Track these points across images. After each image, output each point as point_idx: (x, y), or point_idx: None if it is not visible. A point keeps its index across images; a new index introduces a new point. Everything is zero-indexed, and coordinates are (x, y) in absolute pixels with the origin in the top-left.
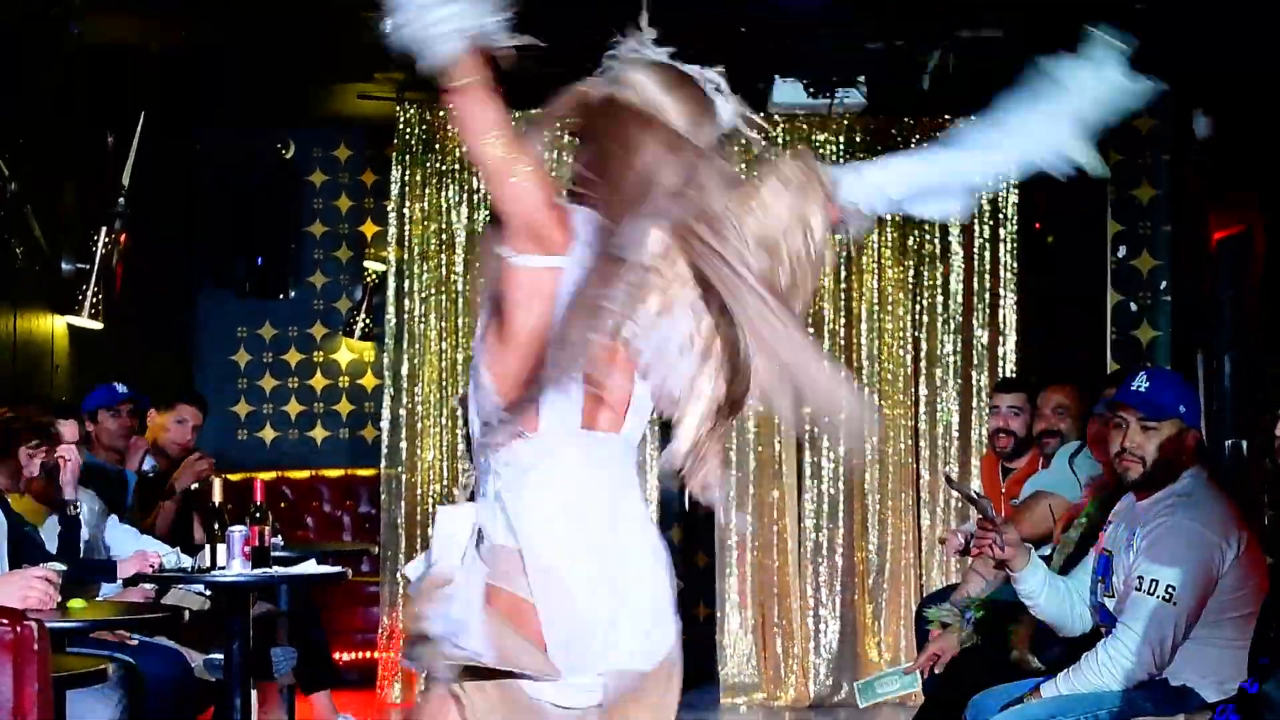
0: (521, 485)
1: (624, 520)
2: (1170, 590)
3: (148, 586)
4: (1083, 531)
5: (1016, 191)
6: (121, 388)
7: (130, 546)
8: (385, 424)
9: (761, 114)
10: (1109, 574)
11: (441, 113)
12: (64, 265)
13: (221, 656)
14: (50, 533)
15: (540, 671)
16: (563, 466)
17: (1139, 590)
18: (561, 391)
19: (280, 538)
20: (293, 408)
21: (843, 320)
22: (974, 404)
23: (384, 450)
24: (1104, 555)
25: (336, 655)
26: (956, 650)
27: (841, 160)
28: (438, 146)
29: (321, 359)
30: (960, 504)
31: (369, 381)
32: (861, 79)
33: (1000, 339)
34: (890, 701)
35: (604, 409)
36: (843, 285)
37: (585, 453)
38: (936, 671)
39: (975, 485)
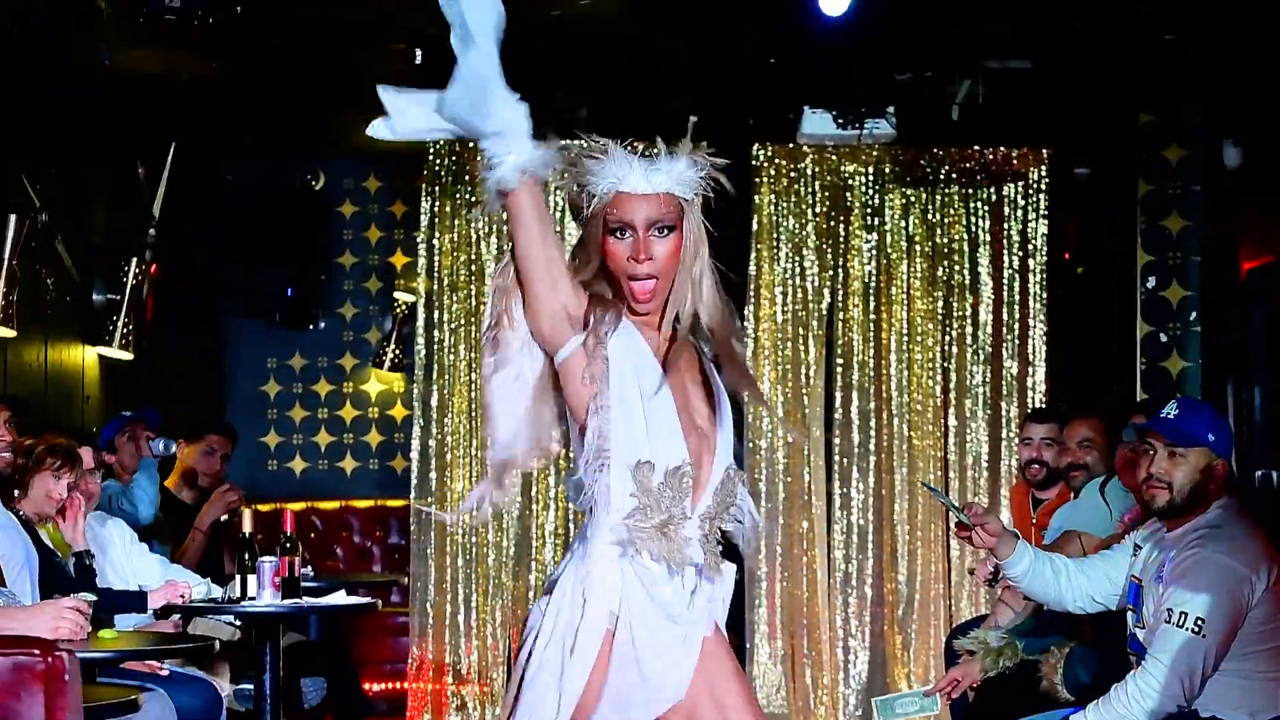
0: None
1: None
2: (1199, 622)
3: (177, 617)
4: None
5: (1046, 222)
6: (128, 413)
7: (160, 576)
8: (415, 455)
9: (790, 145)
10: (1139, 604)
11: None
12: (95, 296)
13: (252, 687)
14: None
15: None
16: None
17: (1168, 622)
18: None
19: (310, 568)
20: (322, 438)
21: (872, 351)
22: (1003, 435)
23: (414, 481)
24: (1134, 584)
25: (366, 686)
26: (977, 678)
27: (871, 190)
28: (467, 178)
29: (351, 390)
30: None
31: (399, 412)
32: (891, 110)
33: (1030, 370)
34: None
35: None
36: (872, 316)
37: None
38: (954, 696)
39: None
